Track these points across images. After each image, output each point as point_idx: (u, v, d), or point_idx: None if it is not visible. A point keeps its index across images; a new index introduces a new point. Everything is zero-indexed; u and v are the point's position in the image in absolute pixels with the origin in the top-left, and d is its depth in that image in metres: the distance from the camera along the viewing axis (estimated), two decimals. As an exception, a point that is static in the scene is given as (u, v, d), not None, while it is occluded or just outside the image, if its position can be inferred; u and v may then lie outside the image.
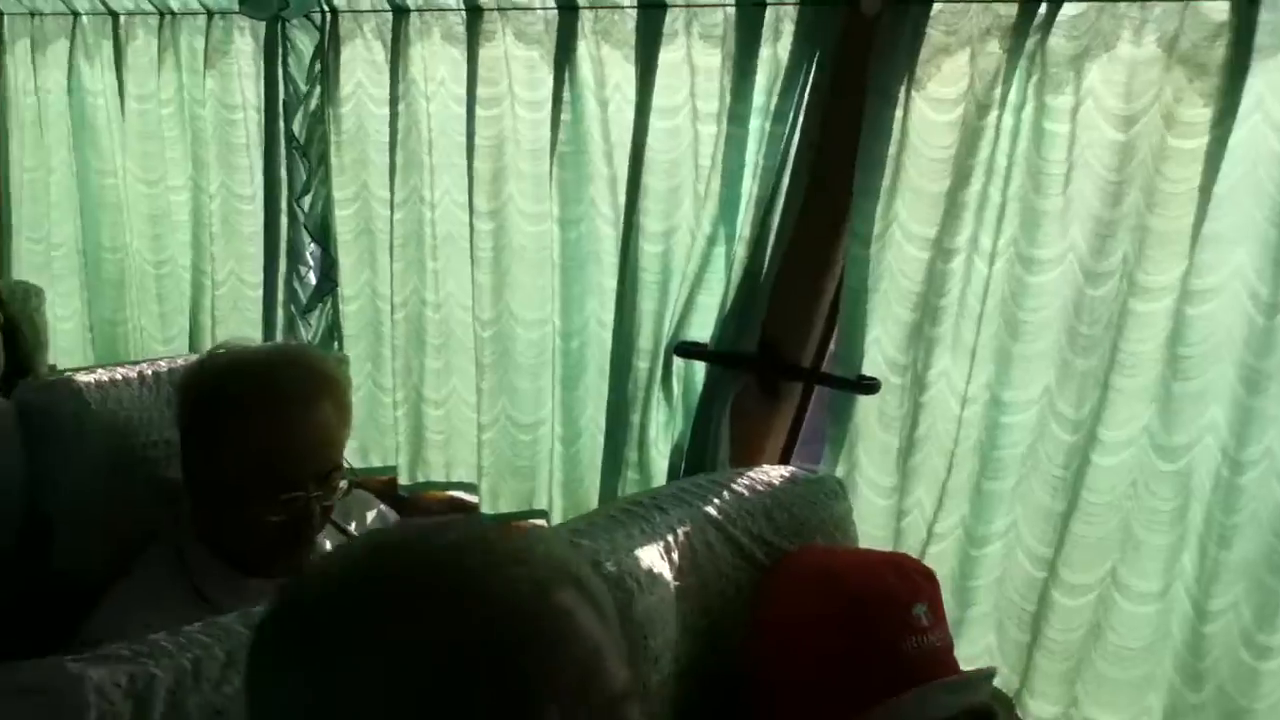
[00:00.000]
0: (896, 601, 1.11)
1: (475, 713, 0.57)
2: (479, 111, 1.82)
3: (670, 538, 1.20)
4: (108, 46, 2.40)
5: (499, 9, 1.77)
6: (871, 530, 1.51)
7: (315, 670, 0.61)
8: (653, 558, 1.15)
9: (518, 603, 0.60)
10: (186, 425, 1.37)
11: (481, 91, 1.81)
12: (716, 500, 1.31)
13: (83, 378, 1.55)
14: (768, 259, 1.54)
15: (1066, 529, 1.31)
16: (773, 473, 1.42)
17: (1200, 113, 1.16)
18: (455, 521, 0.67)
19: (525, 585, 0.60)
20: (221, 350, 1.44)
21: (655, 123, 1.62)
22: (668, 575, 1.17)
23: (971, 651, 1.45)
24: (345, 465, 1.39)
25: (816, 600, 1.16)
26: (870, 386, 1.51)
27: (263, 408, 1.30)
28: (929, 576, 1.18)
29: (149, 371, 1.60)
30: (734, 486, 1.36)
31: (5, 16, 2.62)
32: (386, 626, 0.59)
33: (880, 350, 1.49)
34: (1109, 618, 1.30)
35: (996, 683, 1.44)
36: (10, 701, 0.79)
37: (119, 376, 1.58)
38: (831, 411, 1.55)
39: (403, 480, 2.10)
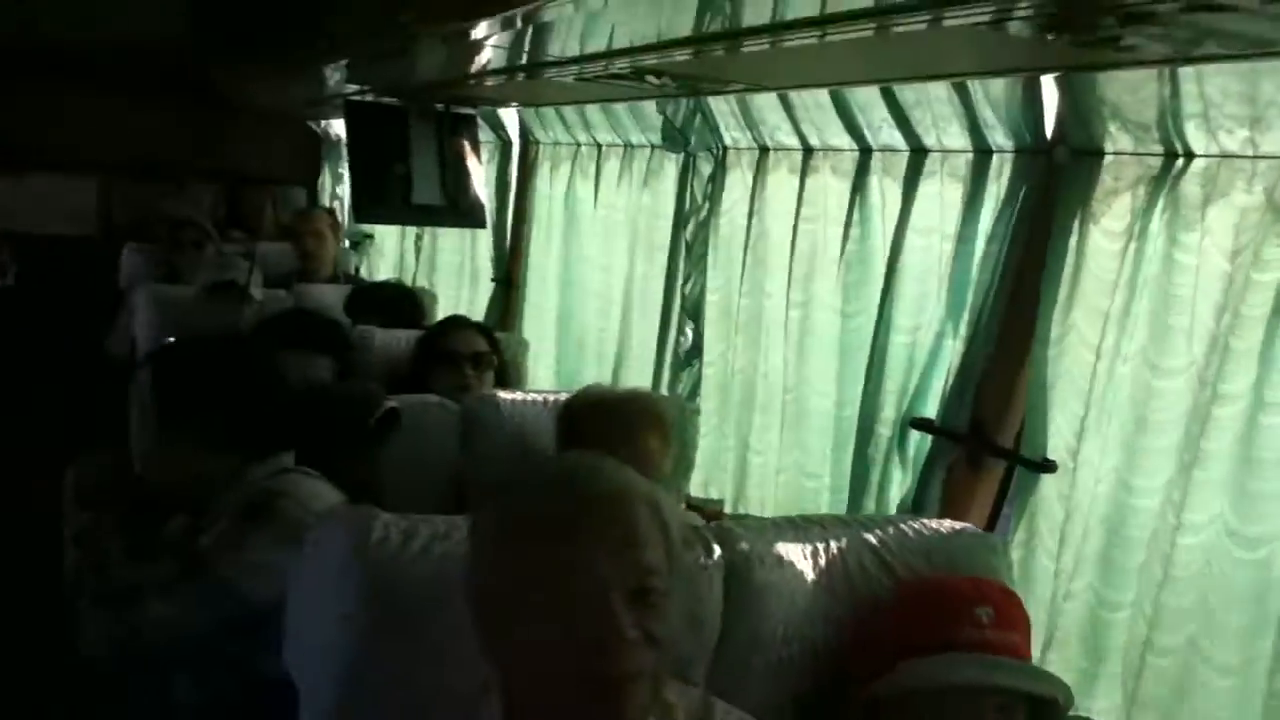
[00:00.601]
0: (962, 597, 1.34)
1: (551, 552, 1.01)
2: (801, 226, 2.36)
3: (821, 545, 1.53)
4: (591, 167, 3.31)
5: (823, 149, 2.31)
6: (1038, 590, 1.77)
7: (481, 521, 1.14)
8: (790, 551, 1.50)
9: (595, 496, 1.04)
10: (558, 445, 2.01)
11: (805, 211, 2.36)
12: (879, 533, 1.63)
13: (503, 395, 2.28)
14: (978, 354, 1.89)
15: (1159, 597, 1.51)
16: (945, 525, 1.73)
17: (1278, 251, 1.37)
18: (597, 457, 1.14)
19: (605, 489, 1.05)
20: (586, 391, 2.07)
21: (913, 240, 2.05)
22: (803, 569, 1.50)
23: (1102, 705, 1.65)
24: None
25: (908, 591, 1.47)
26: (1048, 467, 1.78)
27: (600, 438, 1.85)
28: (1009, 596, 1.39)
29: (551, 399, 2.28)
30: (902, 527, 1.69)
31: (541, 145, 3.68)
32: (513, 498, 1.10)
33: (1060, 436, 1.77)
34: (1191, 680, 1.47)
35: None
36: (341, 521, 1.32)
37: (529, 399, 2.28)
38: (1018, 485, 1.84)
39: (728, 510, 2.64)
